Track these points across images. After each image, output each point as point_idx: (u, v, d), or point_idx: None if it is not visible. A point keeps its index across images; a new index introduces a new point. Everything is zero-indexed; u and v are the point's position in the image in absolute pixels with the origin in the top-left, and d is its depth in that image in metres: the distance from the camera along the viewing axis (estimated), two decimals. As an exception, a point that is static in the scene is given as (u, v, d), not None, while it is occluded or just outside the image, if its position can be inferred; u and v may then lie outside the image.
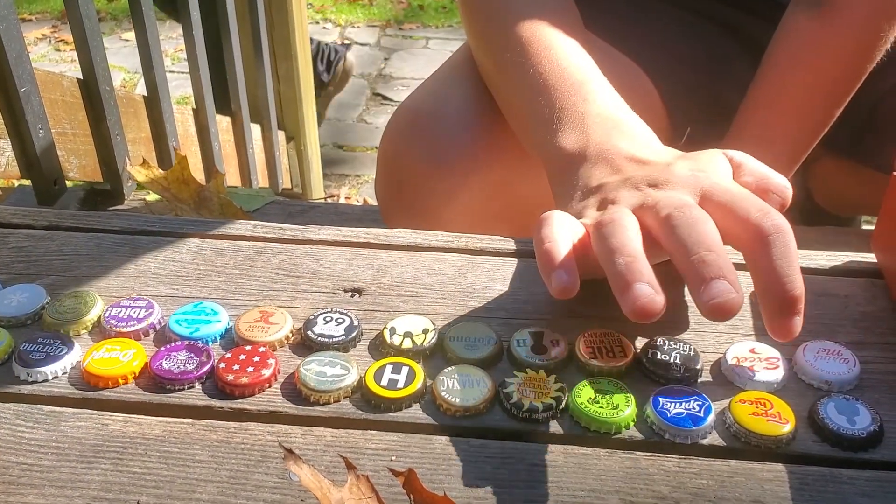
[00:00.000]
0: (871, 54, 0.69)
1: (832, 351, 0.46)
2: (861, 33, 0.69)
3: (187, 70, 1.36)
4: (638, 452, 0.41)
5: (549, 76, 0.59)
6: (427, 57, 3.05)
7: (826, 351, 0.46)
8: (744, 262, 0.44)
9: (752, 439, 0.41)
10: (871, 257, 0.55)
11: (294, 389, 0.45)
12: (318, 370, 0.45)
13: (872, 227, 0.55)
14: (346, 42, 2.77)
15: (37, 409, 0.43)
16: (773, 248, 0.41)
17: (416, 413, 0.43)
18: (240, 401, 0.44)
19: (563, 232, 0.45)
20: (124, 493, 0.39)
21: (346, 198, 2.15)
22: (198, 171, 1.35)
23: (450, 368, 0.45)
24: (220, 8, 1.38)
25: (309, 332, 0.48)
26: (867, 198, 0.93)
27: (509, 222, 0.69)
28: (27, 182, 1.06)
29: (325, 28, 3.33)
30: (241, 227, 0.59)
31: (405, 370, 0.45)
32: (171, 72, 1.45)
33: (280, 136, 1.71)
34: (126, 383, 0.45)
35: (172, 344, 0.47)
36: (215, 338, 0.48)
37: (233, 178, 1.55)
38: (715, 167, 0.49)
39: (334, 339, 0.47)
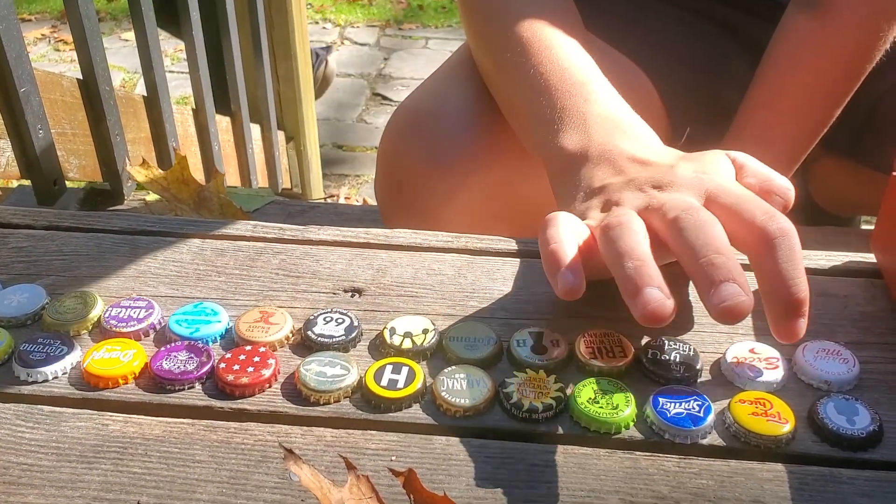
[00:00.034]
0: (870, 54, 0.69)
1: (832, 351, 0.46)
2: (860, 33, 0.69)
3: (187, 70, 1.36)
4: (638, 452, 0.41)
5: (550, 76, 0.59)
6: (427, 57, 3.05)
7: (825, 351, 0.46)
8: (748, 263, 0.44)
9: (751, 439, 0.41)
10: (870, 257, 0.55)
11: (294, 389, 0.45)
12: (318, 370, 0.45)
13: (872, 228, 0.55)
14: (327, 45, 2.76)
15: (37, 410, 0.43)
16: (778, 251, 0.42)
17: (416, 413, 0.43)
18: (240, 401, 0.44)
19: (568, 233, 0.45)
20: (124, 494, 0.39)
21: (345, 198, 2.15)
22: (197, 172, 1.35)
23: (450, 368, 0.45)
24: (219, 8, 1.38)
25: (309, 333, 0.48)
26: (866, 198, 0.93)
27: (509, 222, 0.69)
28: (27, 182, 1.06)
29: (324, 28, 3.33)
30: (241, 227, 0.59)
31: (405, 370, 0.45)
32: (170, 72, 1.45)
33: (280, 136, 1.71)
34: (126, 383, 0.45)
35: (172, 344, 0.47)
36: (215, 338, 0.48)
37: (232, 178, 1.55)
38: (718, 169, 0.49)
39: (334, 340, 0.47)
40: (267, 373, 0.45)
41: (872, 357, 0.47)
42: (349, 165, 2.33)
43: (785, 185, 0.50)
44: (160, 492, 0.39)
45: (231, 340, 0.48)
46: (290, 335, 0.48)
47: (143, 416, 0.43)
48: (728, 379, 0.45)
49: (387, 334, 0.48)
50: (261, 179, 1.66)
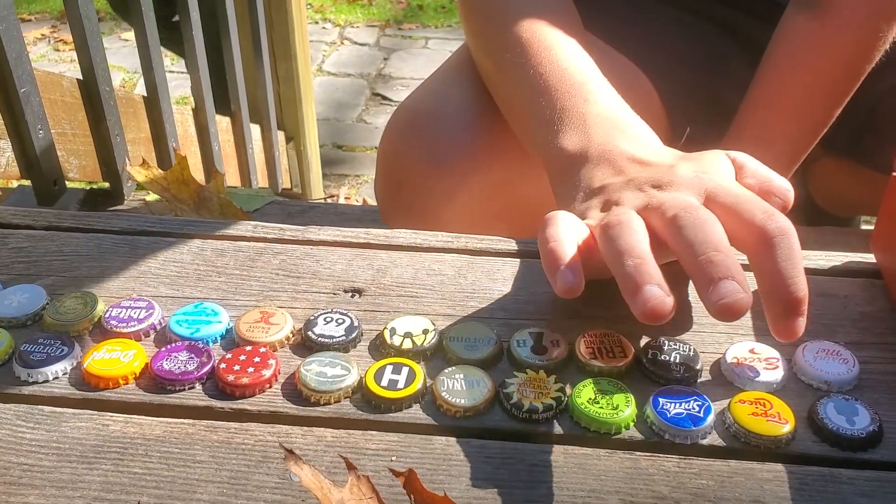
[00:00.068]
0: (870, 55, 0.69)
1: (831, 351, 0.46)
2: (860, 34, 0.69)
3: (187, 70, 1.36)
4: (638, 453, 0.41)
5: (550, 77, 0.59)
6: (426, 57, 3.05)
7: (825, 351, 0.46)
8: (747, 263, 0.44)
9: (751, 439, 0.41)
10: (870, 257, 0.55)
11: (294, 390, 0.45)
12: (318, 370, 0.45)
13: (871, 228, 0.56)
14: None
15: (37, 410, 0.43)
16: (777, 251, 0.42)
17: (416, 413, 0.43)
18: (240, 401, 0.44)
19: (568, 232, 0.45)
20: (125, 494, 0.39)
21: (345, 198, 2.15)
22: (197, 172, 1.35)
23: (450, 369, 0.45)
24: (219, 8, 1.38)
25: (309, 333, 0.48)
26: (866, 198, 0.93)
27: (509, 222, 0.69)
28: (27, 182, 1.06)
29: (324, 28, 3.33)
30: (242, 227, 0.59)
31: (405, 370, 0.45)
32: (170, 72, 1.45)
33: (280, 137, 1.71)
34: (126, 384, 0.45)
35: (173, 344, 0.47)
36: (216, 338, 0.48)
37: (232, 178, 1.55)
38: (718, 168, 0.49)
39: (334, 340, 0.47)
40: (267, 373, 0.45)
41: (872, 357, 0.47)
42: (349, 165, 2.33)
43: (784, 186, 0.50)
44: (160, 492, 0.39)
45: (231, 341, 0.48)
46: (291, 335, 0.48)
47: (143, 417, 0.43)
48: (728, 379, 0.46)
49: (387, 334, 0.48)
50: (261, 179, 1.66)
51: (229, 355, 0.46)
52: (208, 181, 1.19)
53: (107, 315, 0.49)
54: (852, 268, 0.55)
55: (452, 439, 0.42)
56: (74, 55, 1.10)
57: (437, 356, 0.47)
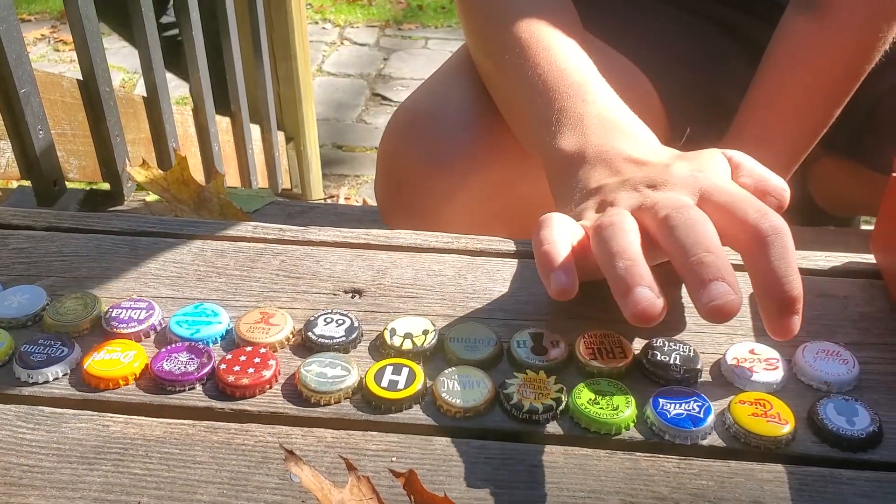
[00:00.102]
0: (869, 55, 0.69)
1: (831, 352, 0.46)
2: (860, 34, 0.69)
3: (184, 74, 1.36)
4: (638, 453, 0.41)
5: (548, 77, 0.59)
6: (426, 57, 3.05)
7: (825, 352, 0.46)
8: (742, 263, 0.44)
9: (751, 440, 0.41)
10: (870, 258, 0.55)
11: (295, 390, 0.45)
12: (318, 371, 0.45)
13: (871, 228, 0.56)
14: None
15: (38, 411, 0.43)
16: (771, 250, 0.42)
17: (416, 414, 0.43)
18: (240, 402, 0.44)
19: (561, 234, 0.45)
20: (125, 495, 0.39)
21: (345, 198, 2.15)
22: (197, 172, 1.36)
23: (450, 369, 0.45)
24: (219, 9, 1.38)
25: (309, 334, 0.48)
26: (866, 198, 0.93)
27: (509, 223, 0.69)
28: (27, 183, 1.06)
29: (324, 28, 3.33)
30: (242, 228, 0.59)
31: (405, 371, 0.45)
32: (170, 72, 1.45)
33: (279, 137, 1.71)
34: (127, 384, 0.45)
35: (173, 345, 0.47)
36: (216, 339, 0.48)
37: (232, 178, 1.55)
38: (714, 167, 0.49)
39: (335, 341, 0.47)
40: (267, 374, 0.45)
41: (872, 358, 0.47)
42: (349, 166, 2.33)
43: (780, 186, 0.50)
44: (161, 493, 0.39)
45: (231, 341, 0.48)
46: (291, 336, 0.48)
47: (143, 418, 0.43)
48: (728, 380, 0.46)
49: (387, 335, 0.48)
50: (261, 180, 1.66)
51: (229, 356, 0.46)
52: (208, 182, 1.19)
53: (107, 316, 0.49)
54: (852, 268, 0.55)
55: (452, 440, 0.42)
56: (74, 55, 1.10)
57: (437, 357, 0.47)
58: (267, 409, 0.44)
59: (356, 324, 0.49)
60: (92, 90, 1.07)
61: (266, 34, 1.56)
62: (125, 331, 0.48)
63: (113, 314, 0.49)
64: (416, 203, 0.71)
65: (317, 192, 1.90)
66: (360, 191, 2.20)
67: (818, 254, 0.56)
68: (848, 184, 0.98)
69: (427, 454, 0.41)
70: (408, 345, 0.47)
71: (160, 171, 1.09)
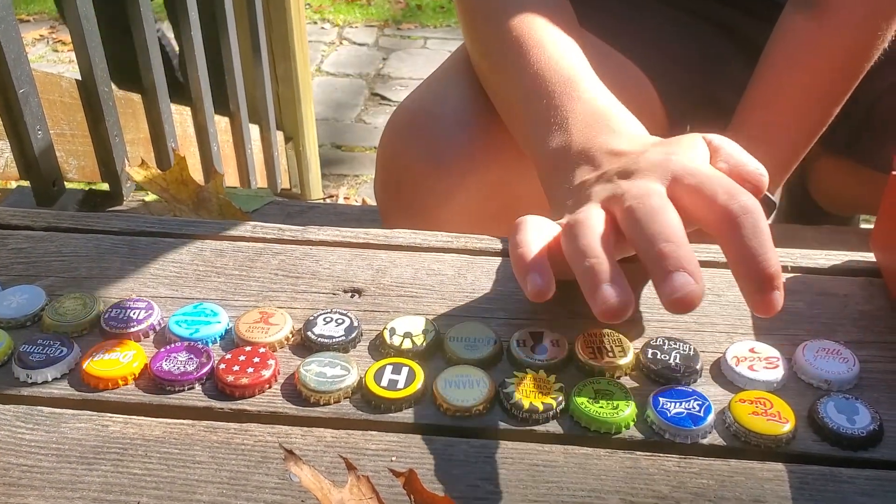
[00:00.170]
0: (868, 54, 0.69)
1: (831, 350, 0.46)
2: (858, 33, 0.69)
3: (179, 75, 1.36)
4: (638, 452, 0.41)
5: (540, 76, 0.59)
6: (425, 57, 3.05)
7: (825, 350, 0.46)
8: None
9: (751, 439, 0.41)
10: (869, 256, 0.55)
11: (294, 390, 0.45)
12: (318, 371, 0.45)
13: (871, 227, 0.56)
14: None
15: (37, 411, 0.43)
16: (742, 230, 0.41)
17: (416, 413, 0.43)
18: (240, 402, 0.44)
19: (536, 236, 0.45)
20: (124, 495, 0.39)
21: (344, 198, 2.15)
22: (196, 172, 1.35)
23: (450, 369, 0.45)
24: (217, 8, 1.38)
25: (309, 333, 0.48)
26: (866, 197, 0.93)
27: (507, 222, 0.68)
28: (26, 183, 1.06)
29: (323, 28, 3.33)
30: (241, 227, 0.59)
31: (405, 371, 0.45)
32: (169, 72, 1.45)
33: (279, 137, 1.71)
34: (126, 384, 0.45)
35: (172, 345, 0.47)
36: (215, 339, 0.48)
37: (231, 178, 1.55)
38: (690, 151, 0.48)
39: (334, 340, 0.47)
40: (267, 373, 0.45)
41: (872, 356, 0.47)
42: (348, 165, 2.33)
43: (757, 171, 0.49)
44: (160, 493, 0.39)
45: (231, 341, 0.48)
46: (290, 336, 0.48)
47: (142, 417, 0.43)
48: (728, 378, 0.46)
49: (387, 335, 0.48)
50: (260, 180, 1.65)
51: (229, 356, 0.46)
52: (207, 181, 1.19)
53: (106, 316, 0.49)
54: (852, 267, 0.55)
55: (452, 439, 0.42)
56: (73, 56, 1.10)
57: (437, 356, 0.47)
58: (266, 409, 0.44)
59: (356, 323, 0.49)
60: (91, 90, 1.07)
61: (265, 34, 1.56)
62: (124, 331, 0.48)
63: (112, 314, 0.49)
64: (416, 203, 0.71)
65: (316, 191, 1.90)
66: (359, 190, 2.20)
67: (818, 252, 0.56)
68: (847, 182, 0.98)
69: (427, 454, 0.41)
70: (407, 344, 0.47)
71: (159, 171, 1.08)
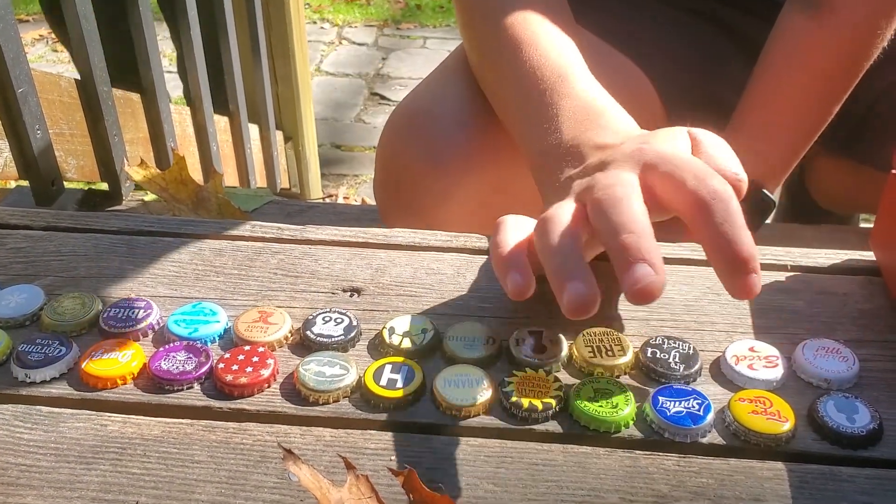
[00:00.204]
0: (868, 53, 0.69)
1: (831, 349, 0.46)
2: (859, 33, 0.69)
3: (178, 74, 1.36)
4: (637, 451, 0.41)
5: (532, 74, 0.59)
6: (425, 56, 3.05)
7: (825, 349, 0.46)
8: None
9: (751, 438, 0.41)
10: (869, 255, 0.55)
11: (293, 389, 0.44)
12: (317, 370, 0.45)
13: (871, 225, 0.55)
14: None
15: (35, 410, 0.43)
16: (713, 215, 0.40)
17: (415, 413, 0.43)
18: (239, 401, 0.44)
19: (515, 235, 0.45)
20: (123, 494, 0.39)
21: (344, 197, 2.15)
22: (196, 172, 1.35)
23: (449, 368, 0.45)
24: (217, 7, 1.38)
25: (308, 332, 0.48)
26: (865, 196, 0.93)
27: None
28: (25, 183, 1.06)
29: (322, 28, 3.33)
30: (240, 227, 0.59)
31: (404, 370, 0.45)
32: (168, 72, 1.45)
33: (278, 136, 1.71)
34: (125, 384, 0.45)
35: (171, 344, 0.47)
36: (214, 338, 0.48)
37: (231, 178, 1.55)
38: (668, 141, 0.48)
39: (333, 339, 0.47)
40: (266, 373, 0.45)
41: (872, 355, 0.47)
42: (347, 165, 2.33)
43: (734, 174, 0.47)
44: (159, 492, 0.39)
45: (230, 340, 0.48)
46: (289, 335, 0.48)
47: (141, 417, 0.43)
48: (728, 377, 0.45)
49: (386, 334, 0.48)
50: (259, 179, 1.65)
51: (228, 355, 0.46)
52: (206, 181, 1.19)
53: (105, 315, 0.49)
54: (851, 265, 0.55)
55: (451, 438, 0.42)
56: (72, 55, 1.10)
57: (436, 355, 0.47)
58: (265, 408, 0.44)
59: (355, 322, 0.49)
60: (90, 90, 1.07)
61: (264, 33, 1.56)
62: (123, 330, 0.48)
63: (111, 313, 0.49)
64: (415, 202, 0.71)
65: (315, 191, 1.90)
66: (358, 190, 2.20)
67: (817, 251, 0.56)
68: (847, 181, 0.98)
69: (426, 453, 0.41)
70: (406, 343, 0.47)
71: (158, 170, 1.08)
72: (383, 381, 0.44)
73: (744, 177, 0.47)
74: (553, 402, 0.43)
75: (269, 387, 0.45)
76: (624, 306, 0.51)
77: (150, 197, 1.18)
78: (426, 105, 0.72)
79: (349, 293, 0.53)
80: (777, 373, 0.45)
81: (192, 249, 0.56)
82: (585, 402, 0.42)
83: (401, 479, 0.37)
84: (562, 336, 0.47)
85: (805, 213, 1.09)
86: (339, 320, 0.49)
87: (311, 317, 0.49)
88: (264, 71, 1.57)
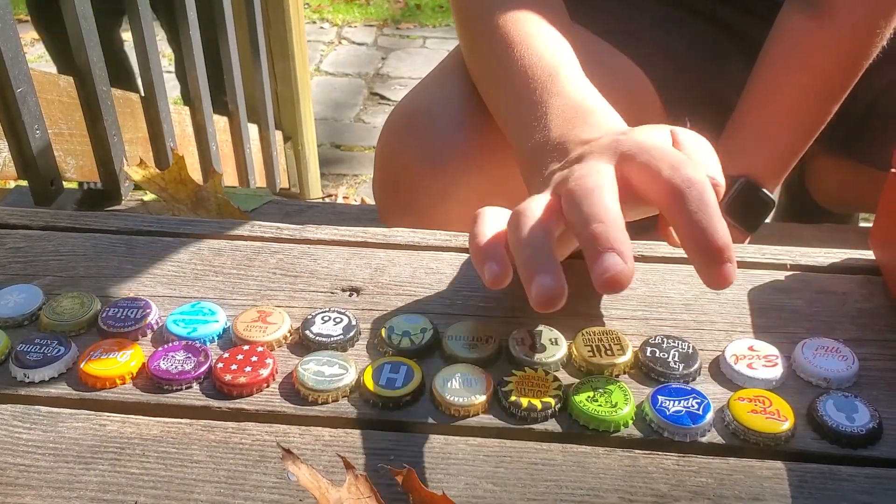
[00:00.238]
0: (867, 52, 0.69)
1: (830, 348, 0.46)
2: (858, 32, 0.69)
3: (176, 75, 1.36)
4: (637, 450, 0.41)
5: (523, 73, 0.59)
6: (424, 56, 3.05)
7: (824, 348, 0.46)
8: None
9: (750, 437, 0.41)
10: (868, 254, 0.55)
11: (292, 389, 0.44)
12: (316, 370, 0.45)
13: (870, 224, 0.55)
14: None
15: (34, 410, 0.43)
16: (687, 204, 0.40)
17: (414, 412, 0.43)
18: (238, 401, 0.44)
19: (493, 226, 0.45)
20: (122, 494, 0.39)
21: (343, 197, 2.15)
22: (195, 171, 1.35)
23: (448, 367, 0.45)
24: (216, 7, 1.38)
25: (307, 332, 0.48)
26: (865, 195, 0.93)
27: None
28: (24, 183, 1.06)
29: (322, 27, 3.33)
30: (239, 226, 0.59)
31: (403, 369, 0.45)
32: (168, 72, 1.45)
33: (277, 136, 1.71)
34: (123, 384, 0.45)
35: (170, 344, 0.47)
36: (213, 338, 0.48)
37: (230, 177, 1.55)
38: (647, 133, 0.48)
39: (332, 339, 0.47)
40: (265, 372, 0.44)
41: (871, 354, 0.47)
42: (347, 165, 2.33)
43: (710, 177, 0.45)
44: (158, 492, 0.39)
45: (229, 340, 0.48)
46: (288, 335, 0.48)
47: (140, 417, 0.43)
48: (727, 376, 0.45)
49: (385, 333, 0.47)
50: (258, 179, 1.65)
51: (226, 355, 0.46)
52: (206, 181, 1.19)
53: (103, 315, 0.49)
54: (851, 265, 0.55)
55: (451, 438, 0.42)
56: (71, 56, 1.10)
57: (435, 355, 0.47)
58: (264, 408, 0.44)
59: (354, 322, 0.48)
60: (89, 89, 1.07)
61: (264, 33, 1.56)
62: (122, 330, 0.48)
63: (110, 313, 0.49)
64: (413, 202, 0.71)
65: (315, 191, 1.90)
66: (358, 190, 2.20)
67: (817, 250, 0.56)
68: (846, 180, 0.98)
69: (425, 452, 0.41)
70: (406, 343, 0.47)
71: (157, 170, 1.08)
72: (382, 381, 0.44)
73: (721, 180, 0.47)
74: (552, 401, 0.43)
75: (267, 386, 0.45)
76: (624, 306, 0.51)
77: (149, 197, 1.18)
78: (425, 105, 0.72)
79: (348, 293, 0.52)
80: (776, 372, 0.45)
81: (192, 249, 0.56)
82: (584, 402, 0.42)
83: (400, 478, 0.37)
84: (561, 335, 0.47)
85: (805, 212, 1.09)
86: (338, 320, 0.49)
87: (310, 316, 0.49)
88: (264, 71, 1.57)
